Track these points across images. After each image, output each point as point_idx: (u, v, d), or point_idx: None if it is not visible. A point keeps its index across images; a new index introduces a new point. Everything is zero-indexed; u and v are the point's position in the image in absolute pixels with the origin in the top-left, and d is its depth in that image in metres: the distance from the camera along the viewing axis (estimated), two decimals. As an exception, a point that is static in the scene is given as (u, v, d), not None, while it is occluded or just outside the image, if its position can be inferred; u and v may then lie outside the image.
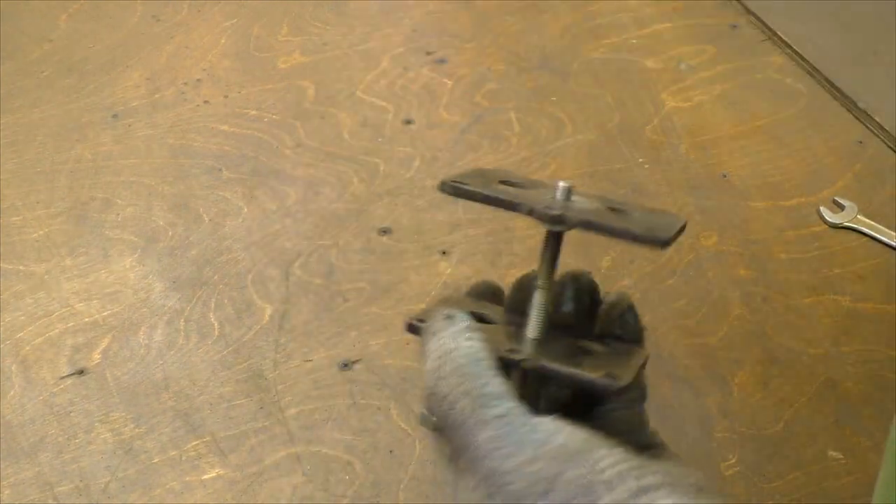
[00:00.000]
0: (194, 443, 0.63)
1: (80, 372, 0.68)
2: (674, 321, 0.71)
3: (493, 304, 0.43)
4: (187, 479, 0.61)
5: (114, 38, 0.98)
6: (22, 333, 0.70)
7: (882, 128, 0.88)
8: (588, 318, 0.42)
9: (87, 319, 0.71)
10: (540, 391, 0.39)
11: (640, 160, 0.85)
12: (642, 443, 0.38)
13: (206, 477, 0.62)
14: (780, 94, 0.92)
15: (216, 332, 0.70)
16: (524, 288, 0.41)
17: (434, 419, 0.35)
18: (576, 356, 0.39)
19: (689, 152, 0.86)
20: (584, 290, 0.42)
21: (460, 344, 0.35)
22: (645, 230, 0.36)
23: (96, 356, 0.69)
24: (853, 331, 0.71)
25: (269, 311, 0.72)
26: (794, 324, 0.71)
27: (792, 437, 0.64)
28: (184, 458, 0.63)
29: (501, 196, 0.39)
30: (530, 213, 0.37)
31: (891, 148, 0.86)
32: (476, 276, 0.73)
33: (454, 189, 0.39)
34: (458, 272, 0.74)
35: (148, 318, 0.71)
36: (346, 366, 0.68)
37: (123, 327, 0.71)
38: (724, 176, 0.84)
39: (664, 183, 0.82)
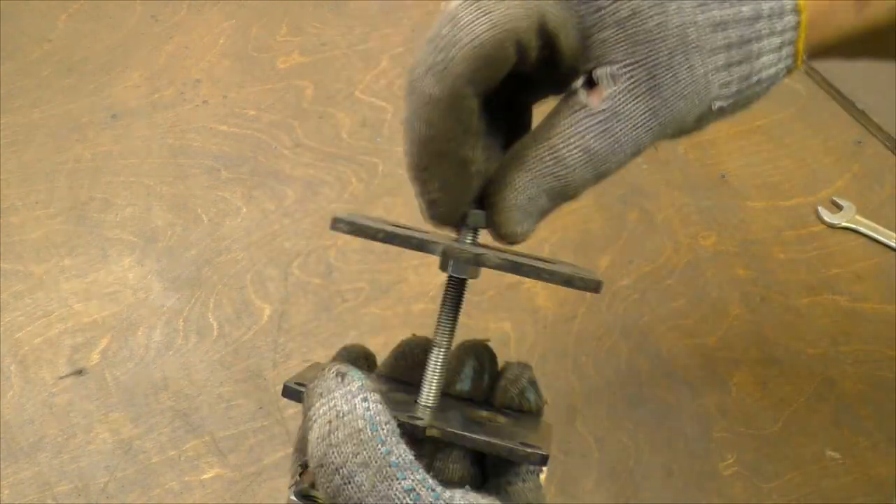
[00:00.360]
0: (193, 443, 0.63)
1: (79, 372, 0.68)
2: (672, 321, 0.71)
3: (365, 372, 0.38)
4: (186, 479, 0.61)
5: (113, 38, 0.98)
6: (21, 333, 0.70)
7: (880, 128, 0.88)
8: (485, 390, 0.39)
9: (85, 319, 0.71)
10: (432, 464, 0.34)
11: (639, 160, 0.84)
12: None
13: (205, 477, 0.62)
14: (779, 94, 0.92)
15: (215, 332, 0.70)
16: (408, 355, 0.38)
17: (319, 498, 0.31)
18: (478, 425, 0.35)
19: (688, 152, 0.86)
20: (484, 366, 0.39)
21: (356, 405, 0.29)
22: (567, 277, 0.33)
23: (95, 356, 0.69)
24: (851, 331, 0.71)
25: (267, 311, 0.72)
26: (793, 324, 0.71)
27: (790, 436, 0.64)
28: (183, 458, 0.63)
29: (408, 234, 0.34)
30: (443, 253, 0.34)
31: (889, 148, 0.86)
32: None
33: (350, 227, 0.35)
34: (457, 272, 0.74)
35: (147, 318, 0.71)
36: (344, 366, 0.68)
37: (122, 327, 0.71)
38: (723, 176, 0.84)
39: (663, 183, 0.82)
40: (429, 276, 0.74)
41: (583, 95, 0.33)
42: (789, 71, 0.35)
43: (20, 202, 0.81)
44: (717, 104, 0.33)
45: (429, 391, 0.35)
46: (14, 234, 0.78)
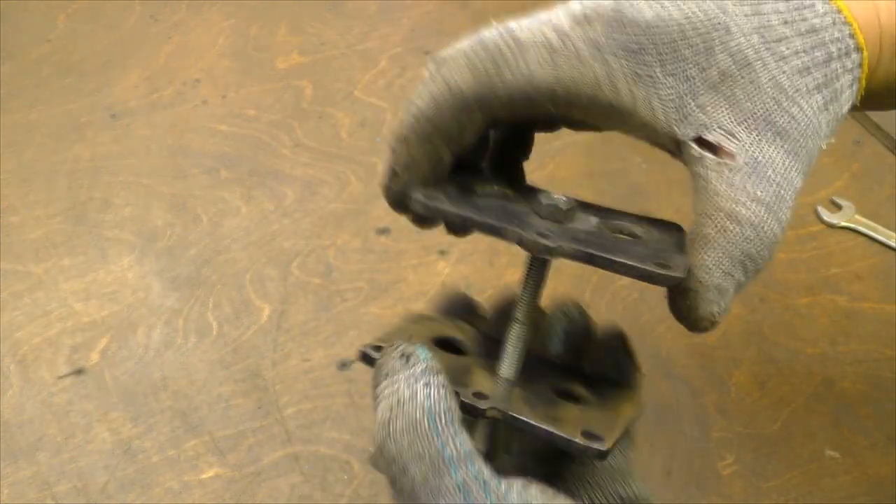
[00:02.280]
0: (192, 442, 0.63)
1: (79, 372, 0.68)
2: (672, 320, 0.71)
3: (468, 324, 0.38)
4: (186, 478, 0.61)
5: (112, 38, 0.98)
6: (20, 333, 0.70)
7: (879, 128, 0.88)
8: (576, 356, 0.37)
9: (85, 319, 0.71)
10: (511, 438, 0.34)
11: (639, 160, 0.85)
12: (626, 497, 0.34)
13: (204, 476, 0.62)
14: (778, 94, 0.92)
15: (214, 332, 0.70)
16: (504, 312, 0.37)
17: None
18: (555, 403, 0.34)
19: (687, 152, 0.86)
20: (577, 329, 0.38)
21: (417, 392, 0.29)
22: (653, 264, 0.31)
23: (95, 356, 0.69)
24: (851, 330, 0.71)
25: (267, 310, 0.72)
26: (792, 323, 0.72)
27: (789, 436, 0.64)
28: (182, 458, 0.63)
29: (484, 218, 0.33)
30: (519, 241, 0.32)
31: (888, 148, 0.87)
32: (474, 275, 0.74)
33: (425, 208, 0.34)
34: (457, 272, 0.74)
35: (146, 317, 0.71)
36: (344, 365, 0.68)
37: (122, 327, 0.71)
38: (722, 176, 0.84)
39: (663, 183, 0.82)
40: (428, 275, 0.74)
41: (712, 158, 0.33)
42: (853, 108, 0.36)
43: (19, 202, 0.81)
44: (825, 143, 0.35)
45: (508, 363, 0.34)
46: (13, 233, 0.78)
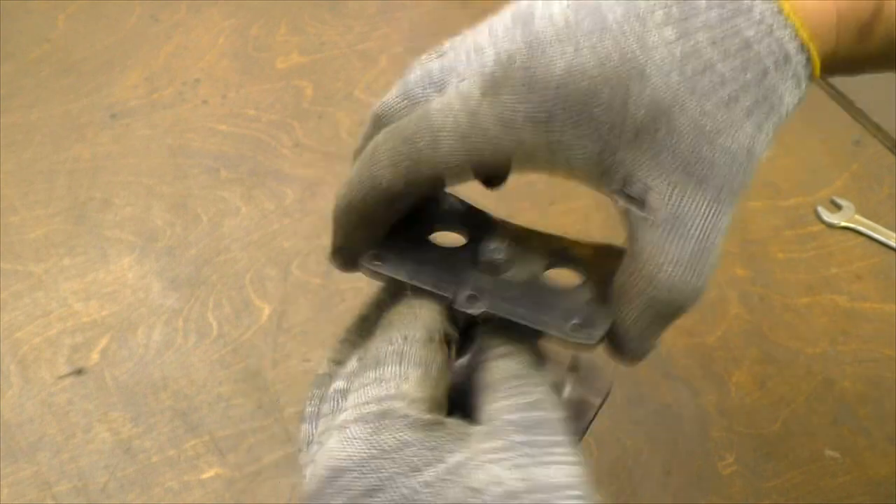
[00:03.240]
0: (192, 442, 0.63)
1: (79, 371, 0.68)
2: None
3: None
4: (186, 478, 0.62)
5: (112, 38, 0.98)
6: (20, 333, 0.70)
7: (879, 128, 0.88)
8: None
9: (85, 319, 0.71)
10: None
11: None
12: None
13: (204, 476, 0.62)
14: (778, 94, 0.92)
15: (214, 332, 0.70)
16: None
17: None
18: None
19: (687, 152, 0.86)
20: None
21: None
22: (573, 328, 0.33)
23: (95, 356, 0.69)
24: (850, 330, 0.71)
25: (267, 310, 0.72)
26: (792, 323, 0.72)
27: (789, 436, 0.64)
28: (182, 458, 0.63)
29: (422, 279, 0.35)
30: (451, 303, 0.34)
31: (888, 148, 0.87)
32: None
33: (371, 273, 0.37)
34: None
35: (146, 317, 0.71)
36: (344, 365, 0.68)
37: (122, 327, 0.71)
38: (722, 176, 0.84)
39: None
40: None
41: (636, 215, 0.32)
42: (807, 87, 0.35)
43: (19, 202, 0.81)
44: (765, 154, 0.32)
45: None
46: (13, 233, 0.78)
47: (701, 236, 0.32)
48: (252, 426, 0.64)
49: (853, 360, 0.69)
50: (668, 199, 0.31)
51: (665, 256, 0.32)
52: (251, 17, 1.01)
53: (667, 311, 0.33)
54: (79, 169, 0.84)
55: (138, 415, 0.65)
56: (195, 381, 0.67)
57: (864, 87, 0.91)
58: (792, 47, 0.31)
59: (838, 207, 0.80)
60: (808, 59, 0.31)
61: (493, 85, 0.32)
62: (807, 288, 0.74)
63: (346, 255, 0.39)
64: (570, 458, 0.29)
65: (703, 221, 0.32)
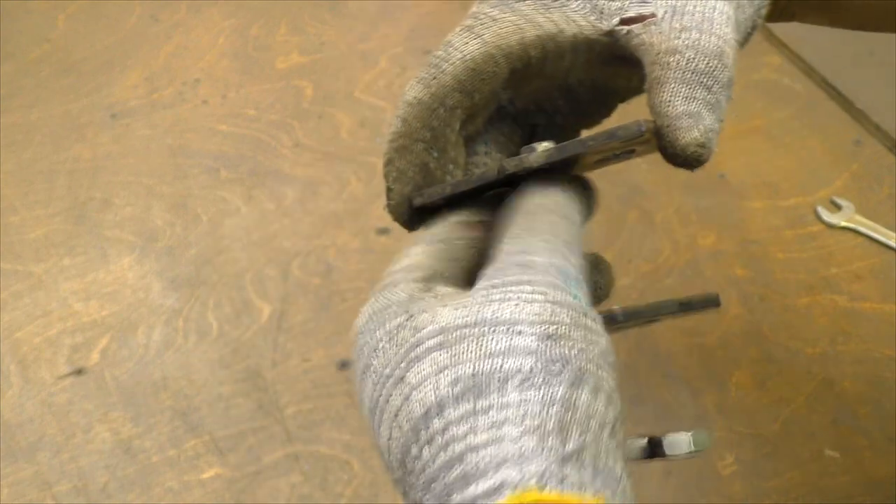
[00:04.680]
0: (193, 442, 0.63)
1: (79, 371, 0.68)
2: (671, 320, 0.71)
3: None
4: (186, 478, 0.62)
5: (112, 38, 0.98)
6: (20, 333, 0.70)
7: (879, 128, 0.88)
8: None
9: (85, 319, 0.71)
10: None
11: (639, 160, 0.85)
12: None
13: (204, 476, 0.62)
14: (778, 94, 0.92)
15: (214, 332, 0.70)
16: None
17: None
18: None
19: (687, 152, 0.86)
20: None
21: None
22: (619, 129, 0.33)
23: (95, 356, 0.69)
24: (850, 330, 0.71)
25: (267, 310, 0.72)
26: (792, 323, 0.72)
27: (789, 436, 0.64)
28: (182, 458, 0.63)
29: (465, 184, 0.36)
30: (500, 168, 0.35)
31: (888, 148, 0.87)
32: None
33: (425, 196, 0.37)
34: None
35: (146, 317, 0.71)
36: (344, 365, 0.68)
37: (122, 327, 0.71)
38: (722, 176, 0.84)
39: (662, 183, 0.82)
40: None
41: (639, 27, 0.35)
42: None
43: (19, 202, 0.81)
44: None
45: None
46: (13, 233, 0.78)
47: (702, 9, 0.34)
48: (252, 426, 0.64)
49: (853, 360, 0.69)
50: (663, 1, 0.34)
51: (674, 30, 0.34)
52: (251, 17, 1.01)
53: (697, 71, 0.33)
54: (79, 169, 0.84)
55: (138, 415, 0.65)
56: (195, 381, 0.67)
57: (864, 87, 0.91)
58: None
59: (838, 207, 0.80)
60: None
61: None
62: (807, 288, 0.74)
63: (399, 196, 0.40)
64: (533, 297, 0.28)
65: (709, 6, 0.34)
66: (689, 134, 0.33)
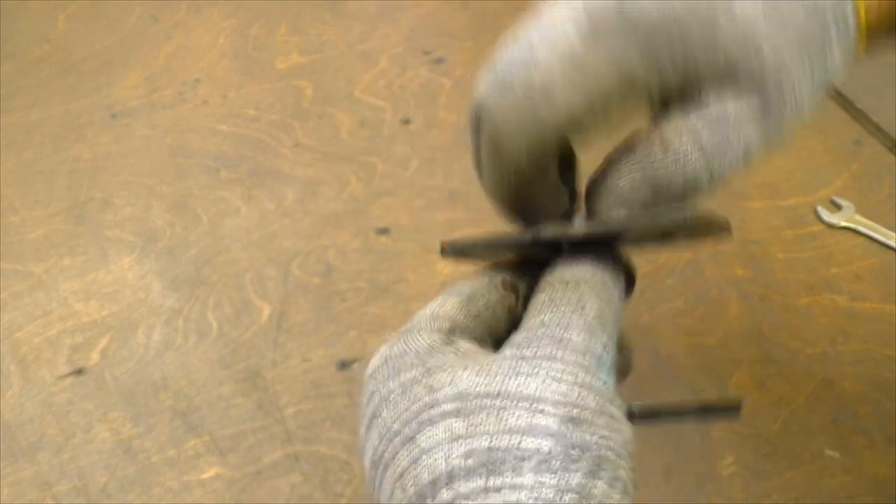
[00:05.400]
0: (193, 442, 0.63)
1: (79, 371, 0.68)
2: (671, 320, 0.71)
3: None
4: (186, 478, 0.62)
5: (112, 38, 0.98)
6: (20, 333, 0.70)
7: (879, 128, 0.88)
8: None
9: (85, 319, 0.71)
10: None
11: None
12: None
13: (204, 476, 0.62)
14: (778, 94, 0.92)
15: (214, 332, 0.70)
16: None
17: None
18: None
19: (687, 152, 0.86)
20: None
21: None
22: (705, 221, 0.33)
23: (95, 356, 0.69)
24: (851, 330, 0.71)
25: (267, 310, 0.72)
26: (792, 323, 0.72)
27: (789, 436, 0.64)
28: (182, 458, 0.63)
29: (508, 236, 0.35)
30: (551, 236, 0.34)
31: (888, 148, 0.87)
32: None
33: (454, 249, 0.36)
34: (457, 272, 0.74)
35: (146, 317, 0.71)
36: (344, 365, 0.68)
37: (122, 327, 0.71)
38: (722, 176, 0.84)
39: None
40: (428, 275, 0.74)
41: (688, 108, 0.34)
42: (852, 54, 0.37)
43: (19, 202, 0.81)
44: (812, 107, 0.35)
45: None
46: (13, 233, 0.78)
47: (730, 136, 0.33)
48: (252, 426, 0.64)
49: (853, 360, 0.69)
50: (720, 102, 0.33)
51: (693, 134, 0.33)
52: (251, 17, 1.01)
53: (662, 181, 0.33)
54: (79, 169, 0.84)
55: (138, 415, 0.65)
56: (195, 381, 0.67)
57: (864, 87, 0.91)
58: (850, 14, 0.34)
59: (838, 207, 0.80)
60: (857, 29, 0.34)
61: (593, 33, 0.33)
62: (807, 288, 0.74)
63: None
64: (562, 377, 0.28)
65: (740, 123, 0.33)
66: (609, 209, 0.34)
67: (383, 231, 0.77)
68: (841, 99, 0.91)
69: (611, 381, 0.29)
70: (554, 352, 0.28)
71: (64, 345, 0.69)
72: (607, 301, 0.31)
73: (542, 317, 0.30)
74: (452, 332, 0.32)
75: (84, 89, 0.92)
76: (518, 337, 0.30)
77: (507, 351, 0.29)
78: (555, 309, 0.30)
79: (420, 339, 0.31)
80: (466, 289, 0.34)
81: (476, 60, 0.96)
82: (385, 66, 0.95)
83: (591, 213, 0.35)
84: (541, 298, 0.31)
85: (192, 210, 0.80)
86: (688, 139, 0.33)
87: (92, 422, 0.65)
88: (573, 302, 0.30)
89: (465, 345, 0.31)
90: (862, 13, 0.34)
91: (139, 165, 0.84)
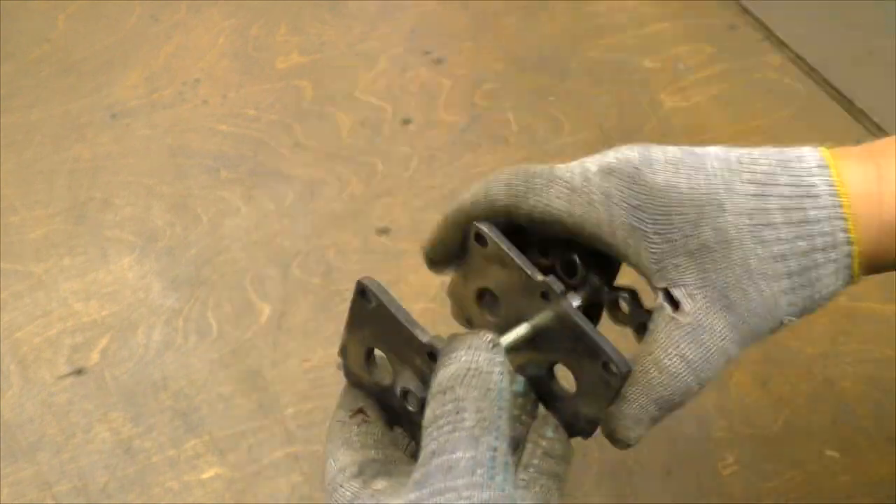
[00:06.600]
0: (192, 442, 0.63)
1: (79, 371, 0.68)
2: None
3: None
4: (186, 478, 0.62)
5: (112, 38, 0.98)
6: (20, 333, 0.70)
7: (880, 128, 0.88)
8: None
9: (85, 319, 0.71)
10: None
11: (638, 160, 0.85)
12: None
13: (204, 476, 0.62)
14: (778, 94, 0.92)
15: (214, 332, 0.70)
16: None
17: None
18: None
19: (687, 152, 0.86)
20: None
21: (494, 371, 0.35)
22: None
23: (95, 356, 0.69)
24: (851, 330, 0.71)
25: (267, 310, 0.72)
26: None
27: (789, 436, 0.64)
28: (182, 458, 0.63)
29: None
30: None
31: (888, 148, 0.86)
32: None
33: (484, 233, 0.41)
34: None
35: (146, 317, 0.71)
36: (344, 365, 0.68)
37: (122, 327, 0.71)
38: (722, 176, 0.84)
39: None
40: (428, 275, 0.74)
41: (669, 310, 0.39)
42: (846, 285, 0.40)
43: (19, 202, 0.81)
44: (787, 319, 0.39)
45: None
46: (13, 233, 0.78)
47: (710, 348, 0.38)
48: (252, 426, 0.64)
49: (853, 360, 0.69)
50: (699, 311, 0.38)
51: (676, 350, 0.38)
52: (251, 17, 1.01)
53: (664, 398, 0.39)
54: (79, 169, 0.84)
55: (138, 415, 0.65)
56: (195, 381, 0.67)
57: (864, 87, 0.91)
58: (842, 237, 0.38)
59: (838, 207, 0.80)
60: (851, 254, 0.38)
61: (609, 170, 0.39)
62: (807, 288, 0.74)
63: (437, 253, 0.48)
64: None
65: (717, 338, 0.38)
66: (626, 433, 0.40)
67: (383, 231, 0.77)
68: (842, 99, 0.91)
69: (509, 474, 0.33)
70: (447, 484, 0.32)
71: (64, 345, 0.69)
72: (484, 394, 0.34)
73: (430, 445, 0.33)
74: (363, 472, 0.36)
75: (84, 89, 0.92)
76: (416, 475, 0.33)
77: (411, 494, 0.33)
78: (438, 430, 0.33)
79: (343, 493, 0.36)
80: (344, 435, 0.40)
81: (476, 61, 0.96)
82: (385, 66, 0.95)
83: (611, 438, 0.41)
84: (428, 415, 0.34)
85: (192, 210, 0.80)
86: (675, 356, 0.38)
87: (92, 422, 0.65)
88: (451, 413, 0.33)
89: (380, 483, 0.35)
90: (853, 234, 0.38)
91: (139, 165, 0.84)
